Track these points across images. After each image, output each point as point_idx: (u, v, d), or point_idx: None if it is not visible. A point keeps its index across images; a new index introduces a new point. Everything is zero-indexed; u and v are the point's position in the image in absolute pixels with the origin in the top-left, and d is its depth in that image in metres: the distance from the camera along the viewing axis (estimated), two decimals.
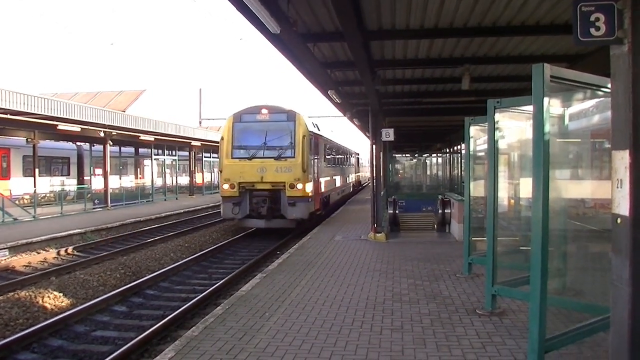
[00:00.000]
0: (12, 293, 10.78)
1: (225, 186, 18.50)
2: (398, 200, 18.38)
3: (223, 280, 11.87)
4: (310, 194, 18.62)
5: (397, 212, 17.58)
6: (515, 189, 8.71)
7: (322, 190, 22.23)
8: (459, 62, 12.01)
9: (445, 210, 16.18)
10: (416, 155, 31.53)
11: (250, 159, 18.58)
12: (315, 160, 20.56)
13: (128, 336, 8.53)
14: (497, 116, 7.15)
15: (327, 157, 25.13)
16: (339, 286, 9.37)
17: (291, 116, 18.94)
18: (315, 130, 21.44)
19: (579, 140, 7.57)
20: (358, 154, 51.48)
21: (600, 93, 5.79)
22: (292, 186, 17.97)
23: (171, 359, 6.02)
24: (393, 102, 18.38)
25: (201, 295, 10.57)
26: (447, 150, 34.61)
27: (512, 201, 8.88)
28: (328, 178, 24.58)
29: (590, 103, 7.10)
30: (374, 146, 16.84)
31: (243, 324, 7.21)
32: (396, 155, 29.35)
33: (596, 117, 7.06)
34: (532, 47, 10.97)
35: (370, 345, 6.26)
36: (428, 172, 29.35)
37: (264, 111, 19.03)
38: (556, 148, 5.31)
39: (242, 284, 11.02)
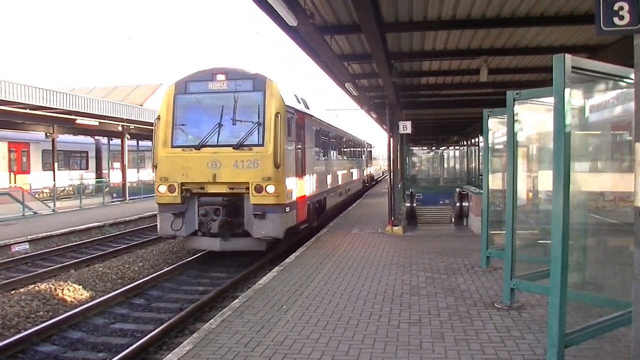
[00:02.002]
0: (33, 286, 10.91)
1: (162, 188, 12.78)
2: (415, 194, 18.30)
3: (242, 274, 11.91)
4: (288, 200, 12.90)
5: (414, 205, 17.51)
6: (533, 182, 8.62)
7: (313, 192, 16.07)
8: (477, 54, 11.91)
9: (463, 204, 16.09)
10: (433, 148, 31.39)
11: (198, 148, 12.76)
12: (300, 150, 14.65)
13: (146, 329, 8.60)
14: (517, 108, 7.06)
15: (322, 146, 18.79)
16: (356, 279, 9.36)
17: (259, 83, 12.94)
18: (300, 107, 14.98)
19: (599, 132, 7.46)
20: (371, 145, 44.32)
21: (622, 84, 5.69)
22: (260, 189, 12.30)
23: (189, 351, 6.05)
24: (410, 95, 18.25)
25: (219, 288, 10.62)
26: (465, 143, 34.37)
27: (531, 194, 8.79)
28: (323, 175, 18.27)
29: (611, 94, 6.99)
30: (391, 139, 16.75)
31: (261, 317, 7.23)
32: (413, 148, 29.19)
33: (617, 109, 6.95)
34: (550, 38, 10.83)
35: (388, 339, 6.25)
36: (445, 165, 29.21)
37: (220, 77, 13.13)
38: (576, 140, 5.23)
39: (259, 276, 11.05)
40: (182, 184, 12.69)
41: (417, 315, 7.18)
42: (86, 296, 10.71)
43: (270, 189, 12.28)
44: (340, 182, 22.65)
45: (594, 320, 5.53)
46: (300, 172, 14.49)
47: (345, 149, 25.82)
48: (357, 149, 32.05)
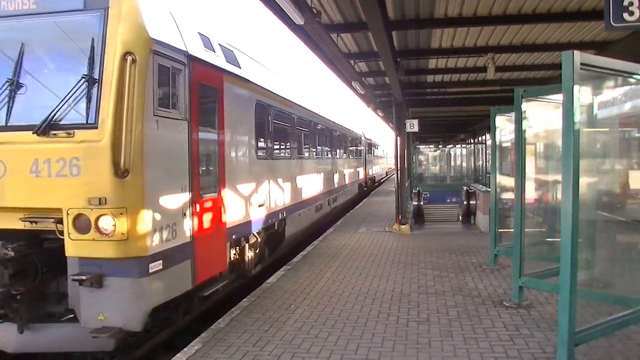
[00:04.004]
0: None
1: None
2: (422, 192, 18.27)
3: (251, 275, 11.87)
4: (162, 245, 6.32)
5: (421, 203, 17.47)
6: (542, 180, 8.59)
7: (246, 215, 9.26)
8: (484, 51, 11.86)
9: (470, 202, 16.06)
10: (440, 146, 31.37)
11: None
12: (211, 139, 7.92)
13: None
14: (524, 105, 7.04)
15: (277, 136, 11.91)
16: (364, 278, 9.34)
17: None
18: (210, 57, 8.03)
19: (607, 129, 7.44)
20: (370, 140, 35.33)
21: (632, 80, 5.65)
22: (84, 224, 5.84)
23: (198, 351, 6.06)
24: (417, 93, 18.23)
25: (229, 289, 10.60)
26: (472, 141, 34.30)
27: (539, 192, 8.76)
28: (276, 183, 11.41)
29: (619, 91, 6.97)
30: (398, 137, 16.72)
31: (269, 316, 7.23)
32: (420, 146, 29.16)
33: (626, 106, 6.93)
34: (557, 35, 10.78)
35: (397, 338, 6.24)
36: (452, 163, 29.16)
37: None
38: (584, 137, 5.19)
39: (267, 276, 11.04)
40: None
41: (425, 313, 7.17)
42: None
43: (106, 222, 5.84)
44: (316, 192, 15.92)
45: (603, 318, 5.49)
46: (214, 182, 7.96)
47: (328, 143, 18.80)
48: (350, 145, 24.93)
